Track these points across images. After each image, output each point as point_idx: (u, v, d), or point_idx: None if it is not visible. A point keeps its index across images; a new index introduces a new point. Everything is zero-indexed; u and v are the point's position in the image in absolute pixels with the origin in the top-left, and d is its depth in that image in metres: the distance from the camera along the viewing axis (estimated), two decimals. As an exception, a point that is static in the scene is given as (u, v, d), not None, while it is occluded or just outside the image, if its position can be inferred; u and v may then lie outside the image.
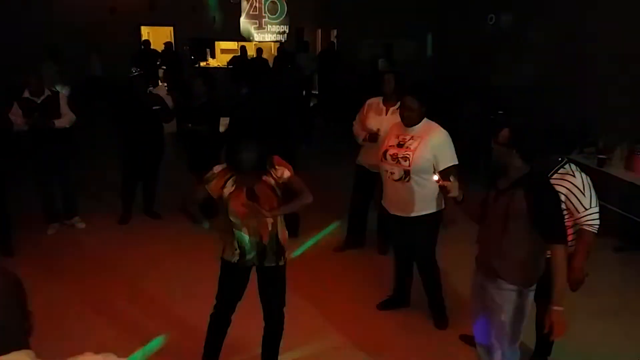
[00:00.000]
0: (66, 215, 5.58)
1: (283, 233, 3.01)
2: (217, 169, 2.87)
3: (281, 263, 3.03)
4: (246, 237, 2.91)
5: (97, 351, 1.28)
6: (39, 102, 5.08)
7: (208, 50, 13.62)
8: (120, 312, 4.02)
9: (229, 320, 3.13)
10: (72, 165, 5.48)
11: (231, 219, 2.89)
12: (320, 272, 4.69)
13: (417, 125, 3.64)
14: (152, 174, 5.84)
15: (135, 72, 5.54)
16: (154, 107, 5.52)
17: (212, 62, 13.54)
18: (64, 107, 5.20)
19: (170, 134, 6.18)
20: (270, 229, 2.92)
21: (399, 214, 3.73)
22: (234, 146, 2.74)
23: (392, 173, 3.64)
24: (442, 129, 3.66)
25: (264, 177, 2.82)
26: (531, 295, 2.77)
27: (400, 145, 3.62)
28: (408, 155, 3.56)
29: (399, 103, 4.55)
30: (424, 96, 3.63)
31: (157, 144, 5.73)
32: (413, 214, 3.67)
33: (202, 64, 13.25)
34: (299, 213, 5.23)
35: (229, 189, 2.84)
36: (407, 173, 3.58)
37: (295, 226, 5.33)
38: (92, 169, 6.75)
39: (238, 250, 2.96)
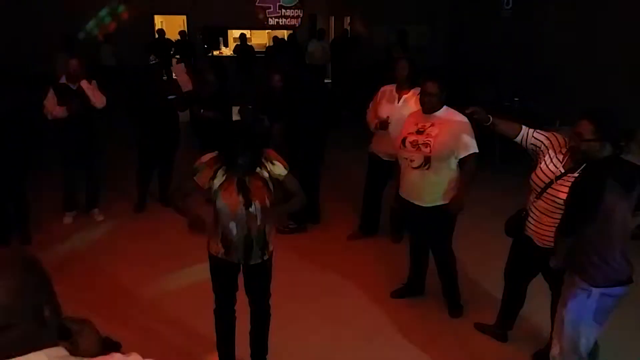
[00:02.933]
0: (87, 207, 5.64)
1: (271, 228, 2.94)
2: (205, 158, 2.77)
3: (266, 258, 2.95)
4: (234, 230, 2.81)
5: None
6: (74, 88, 5.13)
7: (221, 38, 13.61)
8: (131, 304, 4.07)
9: (232, 312, 3.07)
10: (100, 157, 5.54)
11: (220, 210, 2.80)
12: (333, 260, 4.69)
13: (437, 112, 3.56)
14: (168, 162, 5.88)
15: (153, 60, 5.55)
16: (169, 97, 5.54)
17: (225, 51, 13.53)
18: (95, 89, 5.24)
19: (184, 123, 6.21)
20: (259, 222, 2.82)
21: (417, 203, 3.66)
22: (229, 139, 2.69)
23: (411, 160, 3.56)
24: (463, 116, 3.53)
25: (257, 170, 2.77)
26: (607, 301, 2.52)
27: (419, 132, 3.54)
28: (429, 142, 3.48)
29: (411, 90, 4.52)
30: (445, 81, 3.55)
31: (172, 133, 5.76)
32: (431, 204, 3.61)
33: (215, 52, 13.24)
34: (320, 200, 5.27)
35: (219, 179, 2.74)
36: (427, 160, 3.50)
37: (315, 213, 5.35)
38: (107, 157, 6.79)
39: (223, 250, 2.87)
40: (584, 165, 2.69)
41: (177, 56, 12.22)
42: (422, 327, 3.75)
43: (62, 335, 1.22)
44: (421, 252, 3.98)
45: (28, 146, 5.05)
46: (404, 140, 3.60)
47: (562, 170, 2.89)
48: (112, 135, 7.52)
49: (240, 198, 2.73)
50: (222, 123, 5.61)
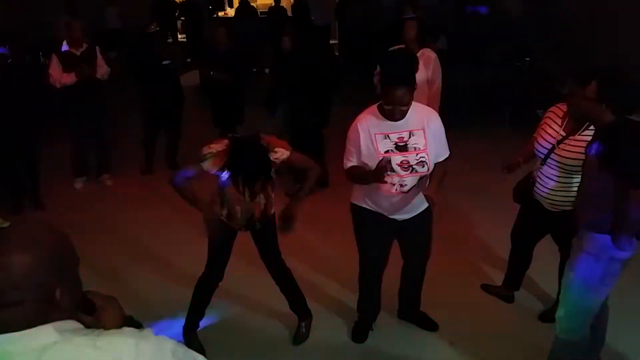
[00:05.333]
0: (97, 172, 5.69)
1: (274, 209, 3.05)
2: (215, 147, 2.73)
3: (264, 221, 3.03)
4: (239, 213, 2.92)
5: None
6: (78, 54, 5.08)
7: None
8: (143, 266, 4.15)
9: (216, 282, 3.12)
10: (106, 121, 5.56)
11: (226, 195, 2.87)
12: (340, 221, 4.71)
13: (407, 115, 2.78)
14: (174, 127, 5.89)
15: (153, 29, 5.51)
16: (164, 62, 5.51)
17: (230, 12, 13.30)
18: (100, 59, 5.23)
19: (193, 87, 6.18)
20: (262, 208, 2.95)
21: (406, 217, 3.01)
22: (237, 154, 2.66)
23: (402, 185, 2.82)
24: (429, 109, 2.98)
25: None
26: (615, 265, 2.46)
27: (402, 148, 2.77)
28: (424, 159, 2.77)
29: (420, 50, 4.44)
30: (414, 75, 2.79)
31: (173, 97, 5.73)
32: (421, 209, 3.02)
33: (220, 14, 13.04)
34: (326, 164, 5.25)
35: (227, 172, 2.74)
36: (421, 178, 2.84)
37: (325, 177, 5.34)
38: (115, 121, 6.79)
39: (225, 215, 2.96)
40: (601, 131, 2.51)
41: (182, 18, 12.05)
42: (427, 287, 3.65)
43: (86, 309, 1.23)
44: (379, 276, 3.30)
45: (34, 111, 5.05)
46: (388, 165, 2.73)
47: (563, 134, 2.91)
48: (118, 99, 7.50)
49: (247, 191, 2.79)
50: (232, 86, 5.61)
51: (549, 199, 3.02)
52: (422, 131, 2.77)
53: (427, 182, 2.87)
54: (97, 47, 5.26)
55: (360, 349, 3.27)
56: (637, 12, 6.23)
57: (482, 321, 3.47)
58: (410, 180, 2.81)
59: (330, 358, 3.22)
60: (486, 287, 3.76)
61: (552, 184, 2.97)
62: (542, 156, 2.99)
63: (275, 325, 3.44)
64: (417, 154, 2.76)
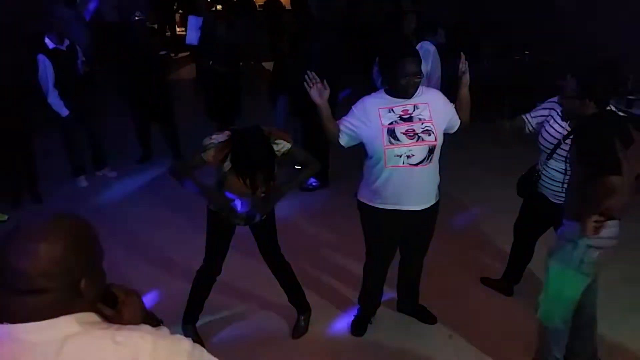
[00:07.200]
0: (96, 167, 5.67)
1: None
2: (217, 138, 2.71)
3: (264, 217, 3.02)
4: (239, 206, 2.90)
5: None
6: (64, 49, 5.03)
7: (225, -8, 13.28)
8: (138, 264, 4.14)
9: (215, 275, 3.13)
10: (98, 117, 5.54)
11: (226, 191, 2.84)
12: (339, 217, 4.71)
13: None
14: (166, 118, 5.86)
15: (138, 17, 5.50)
16: (160, 53, 5.51)
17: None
18: (80, 52, 5.21)
19: (189, 80, 6.16)
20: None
21: (413, 209, 2.93)
22: (239, 145, 2.65)
23: (409, 156, 2.76)
24: (436, 90, 3.08)
25: None
26: (593, 253, 2.47)
27: (406, 119, 2.77)
28: (429, 128, 2.76)
29: (419, 44, 4.43)
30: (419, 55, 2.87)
31: (163, 89, 5.71)
32: (433, 202, 3.01)
33: (219, 7, 12.96)
34: (328, 161, 5.24)
35: (228, 164, 2.73)
36: (431, 151, 2.80)
37: (324, 175, 5.33)
38: (115, 116, 6.81)
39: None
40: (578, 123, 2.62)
41: (181, 11, 11.99)
42: (426, 280, 3.62)
43: (109, 302, 1.23)
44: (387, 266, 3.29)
45: (29, 104, 5.02)
46: (392, 133, 2.75)
47: (569, 129, 2.92)
48: (113, 92, 7.49)
49: (247, 184, 2.76)
50: (228, 78, 5.60)
51: (557, 192, 3.04)
52: (426, 105, 2.80)
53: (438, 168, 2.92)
54: (75, 42, 5.23)
55: (359, 343, 3.28)
56: (637, 4, 6.21)
57: (481, 314, 3.48)
58: (418, 151, 2.77)
59: (329, 352, 3.22)
60: (485, 280, 3.76)
61: (560, 177, 3.00)
62: (549, 151, 3.01)
63: (274, 319, 3.44)
64: (422, 123, 2.77)
